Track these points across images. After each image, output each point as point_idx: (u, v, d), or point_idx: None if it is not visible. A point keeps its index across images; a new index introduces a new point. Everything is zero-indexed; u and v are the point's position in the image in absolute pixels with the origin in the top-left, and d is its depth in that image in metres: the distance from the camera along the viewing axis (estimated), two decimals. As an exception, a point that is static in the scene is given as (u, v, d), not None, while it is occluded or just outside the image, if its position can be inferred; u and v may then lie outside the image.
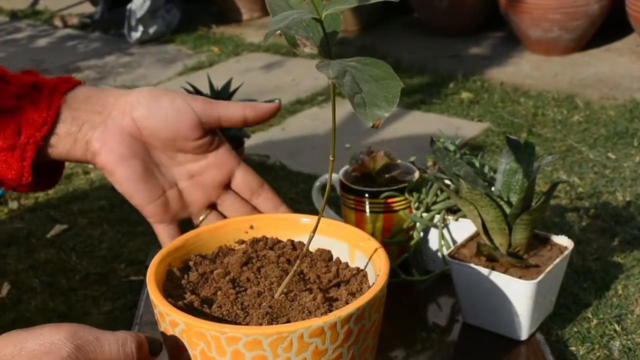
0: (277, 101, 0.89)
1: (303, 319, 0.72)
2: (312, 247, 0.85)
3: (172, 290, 0.77)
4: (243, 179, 0.92)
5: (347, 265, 0.83)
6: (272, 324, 0.71)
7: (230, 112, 0.88)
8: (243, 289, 0.78)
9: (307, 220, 0.88)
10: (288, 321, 0.72)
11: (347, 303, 0.75)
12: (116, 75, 3.52)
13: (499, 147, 2.28)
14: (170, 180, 0.89)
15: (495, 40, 3.63)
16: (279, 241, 0.87)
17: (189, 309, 0.73)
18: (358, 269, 0.82)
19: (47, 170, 0.92)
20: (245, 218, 0.88)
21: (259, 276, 0.80)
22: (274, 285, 0.78)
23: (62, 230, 1.89)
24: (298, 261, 0.76)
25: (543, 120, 2.51)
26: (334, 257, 0.85)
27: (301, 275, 0.81)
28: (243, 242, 0.87)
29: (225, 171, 0.91)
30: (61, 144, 0.86)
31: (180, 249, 0.83)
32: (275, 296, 0.76)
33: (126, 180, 0.87)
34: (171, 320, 0.69)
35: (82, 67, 3.68)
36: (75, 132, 0.86)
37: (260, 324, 0.71)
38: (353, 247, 0.83)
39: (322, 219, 0.79)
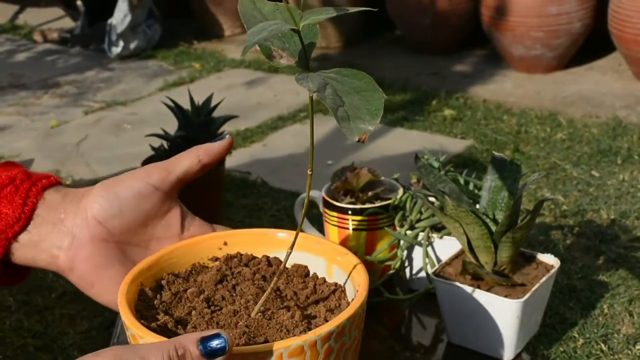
0: (227, 136, 0.86)
1: (281, 338, 0.69)
2: (288, 263, 0.82)
3: (145, 311, 0.74)
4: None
5: (324, 280, 0.80)
6: (249, 344, 0.68)
7: (186, 166, 0.83)
8: (218, 308, 0.75)
9: (283, 235, 0.85)
10: (266, 341, 0.70)
11: (325, 320, 0.72)
12: (96, 90, 3.49)
13: (482, 164, 2.27)
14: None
15: (478, 57, 3.63)
16: (254, 257, 0.84)
17: (163, 331, 0.70)
18: (336, 284, 0.80)
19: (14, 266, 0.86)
20: (219, 234, 0.85)
21: (234, 294, 0.78)
22: (250, 303, 0.75)
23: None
24: (275, 278, 0.74)
25: (526, 138, 2.51)
26: (311, 273, 0.83)
27: (277, 293, 0.79)
28: (217, 259, 0.84)
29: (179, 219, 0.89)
30: (23, 251, 0.82)
31: (152, 267, 0.79)
32: (252, 314, 0.73)
33: (105, 291, 0.82)
34: (144, 343, 0.67)
35: (61, 82, 3.65)
36: (37, 242, 0.81)
37: (237, 345, 0.68)
38: (330, 262, 0.81)
39: (298, 233, 0.77)
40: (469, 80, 3.24)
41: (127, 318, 0.69)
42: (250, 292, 0.76)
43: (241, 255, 0.83)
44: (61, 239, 0.80)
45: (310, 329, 0.70)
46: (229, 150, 0.85)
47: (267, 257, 0.83)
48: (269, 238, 0.85)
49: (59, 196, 0.82)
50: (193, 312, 0.74)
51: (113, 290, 0.78)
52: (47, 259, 0.81)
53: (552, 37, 3.21)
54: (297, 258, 0.82)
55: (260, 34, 0.61)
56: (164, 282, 0.79)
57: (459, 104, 2.88)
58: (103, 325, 1.51)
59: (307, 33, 0.68)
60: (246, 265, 0.83)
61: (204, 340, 0.62)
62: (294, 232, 0.76)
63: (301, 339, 0.65)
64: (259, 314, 0.73)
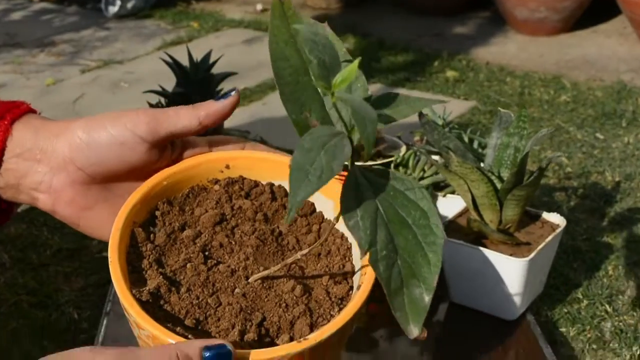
0: (233, 93, 0.76)
1: (279, 315, 0.66)
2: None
3: (137, 262, 0.70)
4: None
5: (330, 224, 0.75)
6: (245, 324, 0.65)
7: (183, 125, 0.75)
8: (215, 262, 0.71)
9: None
10: (263, 317, 0.66)
11: (327, 293, 0.69)
12: (92, 49, 3.45)
13: (485, 125, 2.24)
14: None
15: (481, 20, 3.58)
16: (257, 184, 0.78)
17: (155, 298, 0.67)
18: (342, 235, 0.75)
19: None
20: (221, 155, 0.78)
21: (232, 241, 0.74)
22: (249, 261, 0.71)
23: (33, 204, 1.83)
24: (290, 259, 0.69)
25: (530, 100, 2.47)
26: (317, 210, 0.77)
27: (279, 236, 0.74)
28: (217, 181, 0.78)
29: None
30: (1, 191, 0.77)
31: (145, 199, 0.74)
32: (250, 280, 0.69)
33: (92, 229, 0.78)
34: (135, 322, 0.63)
35: (57, 41, 3.60)
36: (13, 184, 0.77)
37: (233, 325, 0.65)
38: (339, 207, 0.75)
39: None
40: (472, 42, 3.19)
41: (121, 290, 0.65)
42: (250, 242, 0.72)
43: (243, 180, 0.78)
44: (38, 182, 0.75)
45: (309, 309, 0.67)
46: (234, 109, 0.78)
47: (272, 186, 0.77)
48: (275, 163, 0.78)
49: (30, 132, 0.75)
50: (188, 266, 0.70)
51: (101, 227, 0.75)
52: (27, 199, 0.77)
53: (557, -1, 3.16)
54: None
55: (306, 180, 0.51)
56: (157, 214, 0.74)
57: (461, 66, 2.84)
58: (99, 283, 1.49)
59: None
60: (248, 195, 0.78)
61: (207, 349, 0.60)
62: None
63: (300, 346, 0.62)
64: (258, 280, 0.69)
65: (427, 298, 0.53)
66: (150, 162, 0.76)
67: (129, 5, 3.92)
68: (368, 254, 0.53)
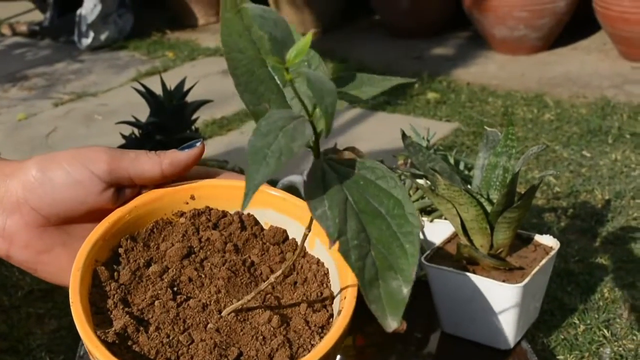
0: (199, 144, 0.71)
1: (257, 348, 0.61)
2: (264, 222, 0.72)
3: (101, 302, 0.65)
4: None
5: (304, 252, 0.70)
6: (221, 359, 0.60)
7: (144, 171, 0.71)
8: (185, 297, 0.66)
9: (268, 191, 0.74)
10: (240, 352, 0.61)
11: (306, 322, 0.63)
12: (66, 82, 3.40)
13: (469, 147, 2.20)
14: None
15: (460, 40, 3.56)
16: (225, 214, 0.73)
17: (123, 339, 0.61)
18: (318, 261, 0.70)
19: None
20: (185, 186, 0.73)
21: (202, 275, 0.68)
22: (220, 294, 0.66)
23: (4, 243, 1.77)
24: (271, 278, 0.64)
25: (513, 120, 2.43)
26: (289, 237, 0.72)
27: (250, 268, 0.69)
28: (182, 214, 0.73)
29: None
30: None
31: (106, 236, 0.69)
32: (224, 313, 0.64)
33: (51, 275, 0.73)
34: None
35: (29, 74, 3.56)
36: None
37: None
38: (314, 233, 0.69)
39: (280, 193, 0.69)
40: (452, 63, 3.17)
41: (84, 331, 0.60)
42: (221, 274, 0.67)
43: (210, 210, 0.72)
44: None
45: (288, 340, 0.62)
46: (198, 160, 0.72)
47: (240, 215, 0.72)
48: (242, 191, 0.73)
49: None
50: (156, 303, 0.64)
51: (59, 272, 0.70)
52: None
53: (536, 17, 3.14)
54: (275, 219, 0.71)
55: (264, 162, 0.48)
56: (121, 251, 0.69)
57: (442, 87, 2.81)
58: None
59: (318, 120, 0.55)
60: (215, 226, 0.72)
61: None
62: (271, 188, 0.67)
63: None
64: (232, 314, 0.64)
65: (406, 290, 0.50)
66: (107, 204, 0.71)
67: (102, 37, 3.88)
68: (338, 243, 0.49)
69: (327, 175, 0.53)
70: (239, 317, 0.64)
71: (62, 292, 1.56)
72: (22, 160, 0.71)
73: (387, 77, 0.57)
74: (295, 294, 0.67)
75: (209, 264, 0.68)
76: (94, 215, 0.71)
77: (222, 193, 0.72)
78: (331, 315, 0.64)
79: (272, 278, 0.63)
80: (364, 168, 0.53)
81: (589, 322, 1.29)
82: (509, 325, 1.06)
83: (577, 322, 1.29)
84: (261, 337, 0.63)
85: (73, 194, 0.69)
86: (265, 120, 0.50)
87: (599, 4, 3.04)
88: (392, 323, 0.49)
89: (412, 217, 0.51)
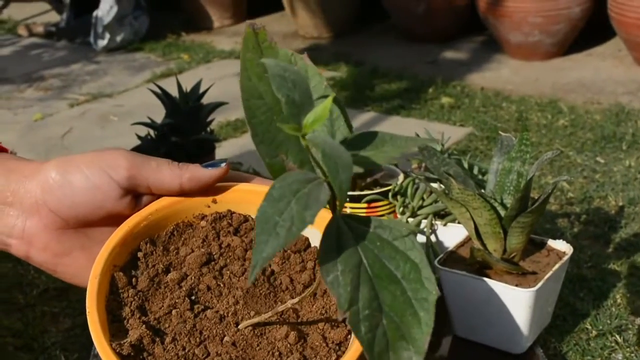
0: (224, 165, 0.70)
1: None
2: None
3: (118, 310, 0.65)
4: None
5: None
6: None
7: (163, 183, 0.70)
8: (202, 307, 0.66)
9: None
10: None
11: (324, 340, 0.63)
12: (81, 83, 3.42)
13: (483, 152, 2.20)
14: None
15: (475, 45, 3.56)
16: (246, 219, 0.72)
17: (138, 351, 0.61)
18: None
19: None
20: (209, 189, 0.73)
21: (221, 284, 0.68)
22: (239, 305, 0.66)
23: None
24: (288, 304, 0.64)
25: (527, 125, 2.43)
26: (311, 245, 0.72)
27: (270, 276, 0.69)
28: (204, 217, 0.73)
29: None
30: None
31: (126, 240, 0.69)
32: (240, 327, 0.64)
33: (71, 276, 0.73)
34: None
35: (46, 75, 3.57)
36: None
37: None
38: None
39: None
40: (466, 68, 3.17)
41: (99, 344, 0.60)
42: (240, 284, 0.67)
43: (232, 214, 0.72)
44: (10, 227, 0.70)
45: (305, 357, 0.62)
46: (221, 180, 0.72)
47: None
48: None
49: (1, 173, 0.72)
50: (173, 312, 0.64)
51: (79, 274, 0.70)
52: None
53: (550, 22, 3.13)
54: None
55: (273, 232, 0.46)
56: (140, 255, 0.69)
57: (456, 92, 2.81)
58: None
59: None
60: (237, 231, 0.72)
61: None
62: None
63: None
64: (249, 327, 0.64)
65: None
66: (124, 210, 0.71)
67: (118, 38, 3.90)
68: (348, 314, 0.47)
69: (342, 235, 0.51)
70: (255, 331, 0.64)
71: (77, 290, 1.58)
72: (41, 162, 0.71)
73: (411, 138, 0.54)
74: (315, 306, 0.66)
75: (228, 272, 0.68)
76: (112, 220, 0.71)
77: (244, 197, 0.71)
78: (349, 332, 0.63)
79: (289, 304, 0.63)
80: (381, 227, 0.51)
81: (601, 327, 1.29)
82: (521, 330, 1.06)
83: (589, 327, 1.29)
84: (277, 353, 0.62)
85: (91, 198, 0.69)
86: (279, 183, 0.48)
87: (614, 10, 3.03)
88: None
89: (428, 283, 0.49)
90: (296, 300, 0.62)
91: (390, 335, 0.48)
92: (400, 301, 0.49)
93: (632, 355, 1.23)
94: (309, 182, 0.49)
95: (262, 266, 0.46)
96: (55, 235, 0.71)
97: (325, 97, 0.56)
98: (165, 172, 0.70)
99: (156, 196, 0.72)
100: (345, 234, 0.51)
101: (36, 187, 0.70)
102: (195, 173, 0.70)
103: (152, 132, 1.82)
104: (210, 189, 0.72)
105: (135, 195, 0.71)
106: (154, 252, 0.69)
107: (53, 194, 0.69)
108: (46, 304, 1.56)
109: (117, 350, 0.60)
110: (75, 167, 0.69)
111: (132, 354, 0.60)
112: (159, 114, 1.83)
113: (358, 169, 0.52)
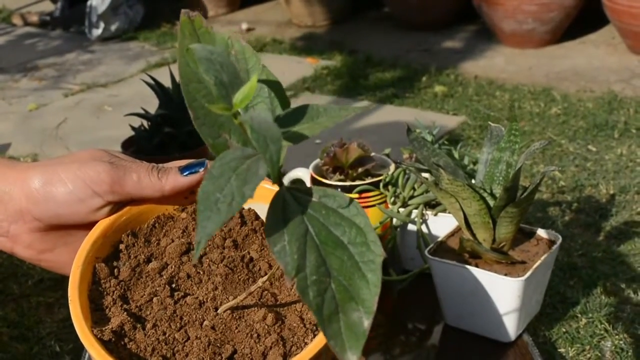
0: (202, 169, 0.72)
1: (251, 346, 0.62)
2: (265, 217, 0.73)
3: (100, 299, 0.66)
4: None
5: None
6: (215, 358, 0.61)
7: (144, 194, 0.72)
8: (182, 294, 0.67)
9: (266, 185, 0.75)
10: (234, 350, 0.62)
11: (301, 320, 0.64)
12: (76, 73, 3.41)
13: (475, 140, 2.21)
14: None
15: (468, 33, 3.56)
16: None
17: (119, 337, 0.62)
18: None
19: None
20: None
21: (200, 271, 0.70)
22: (217, 290, 0.67)
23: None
24: (259, 282, 0.65)
25: (520, 114, 2.44)
26: None
27: (249, 263, 0.70)
28: (184, 209, 0.74)
29: None
30: None
31: (107, 232, 0.71)
32: (219, 311, 0.65)
33: (54, 268, 0.75)
34: None
35: (40, 65, 3.57)
36: None
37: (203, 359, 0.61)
38: None
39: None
40: (459, 57, 3.17)
41: (80, 329, 0.61)
42: (219, 271, 0.68)
43: None
44: None
45: (282, 338, 0.63)
46: (200, 184, 0.73)
47: (241, 210, 0.73)
48: None
49: None
50: (154, 300, 0.66)
51: (63, 267, 0.72)
52: None
53: (544, 10, 3.14)
54: None
55: (215, 208, 0.47)
56: (122, 247, 0.70)
57: (449, 80, 2.82)
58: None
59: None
60: None
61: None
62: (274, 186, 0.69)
63: None
64: (227, 311, 0.65)
65: (367, 322, 0.49)
66: (106, 215, 0.73)
67: (113, 27, 3.89)
68: (295, 281, 0.49)
69: (288, 206, 0.52)
70: (234, 315, 0.65)
71: (71, 281, 1.59)
72: (25, 167, 0.73)
73: (344, 107, 0.55)
74: (293, 290, 0.68)
75: (207, 260, 0.69)
76: (96, 223, 0.74)
77: None
78: None
79: (259, 282, 0.64)
80: (326, 196, 0.52)
81: (590, 315, 1.30)
82: (511, 318, 1.07)
83: (578, 315, 1.31)
84: (256, 335, 0.63)
85: (75, 210, 0.71)
86: (219, 161, 0.49)
87: (607, -2, 3.04)
88: (352, 357, 0.48)
89: (374, 245, 0.50)
90: (265, 278, 0.64)
91: (340, 298, 0.49)
92: (347, 265, 0.50)
93: (621, 342, 1.24)
94: (248, 158, 0.50)
95: (206, 242, 0.46)
96: (39, 236, 0.72)
97: (271, 80, 0.58)
98: (146, 185, 0.71)
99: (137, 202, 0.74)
100: (290, 205, 0.52)
101: (20, 195, 0.71)
102: (175, 183, 0.71)
103: (145, 123, 1.82)
104: None
105: (117, 203, 0.73)
106: (136, 244, 0.70)
107: (37, 205, 0.71)
108: (41, 294, 1.56)
109: (99, 336, 0.61)
110: (59, 180, 0.70)
111: (113, 339, 0.62)
112: (153, 103, 1.84)
113: (287, 143, 0.53)
